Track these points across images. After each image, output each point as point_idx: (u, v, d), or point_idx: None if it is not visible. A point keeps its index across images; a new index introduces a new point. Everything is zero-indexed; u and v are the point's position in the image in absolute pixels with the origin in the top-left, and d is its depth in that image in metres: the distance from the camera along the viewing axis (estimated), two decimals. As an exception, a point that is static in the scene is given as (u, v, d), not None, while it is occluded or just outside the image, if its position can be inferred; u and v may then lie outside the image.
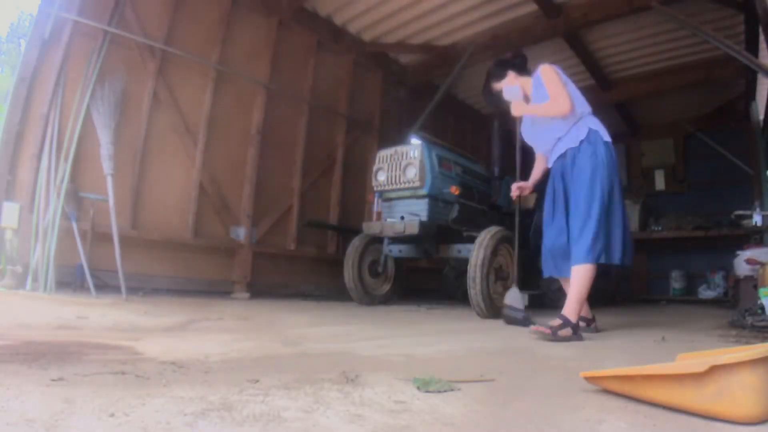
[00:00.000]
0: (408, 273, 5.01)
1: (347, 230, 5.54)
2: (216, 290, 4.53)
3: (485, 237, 3.63)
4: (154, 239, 4.17)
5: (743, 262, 4.41)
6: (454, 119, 7.54)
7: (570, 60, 6.13)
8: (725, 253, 5.65)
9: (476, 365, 1.72)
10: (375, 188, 4.28)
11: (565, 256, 2.62)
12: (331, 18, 5.58)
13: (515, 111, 2.90)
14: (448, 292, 5.58)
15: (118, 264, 3.61)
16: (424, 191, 3.95)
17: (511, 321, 3.09)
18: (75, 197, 3.68)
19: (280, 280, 5.14)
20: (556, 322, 2.40)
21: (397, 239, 4.22)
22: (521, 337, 2.48)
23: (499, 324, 3.20)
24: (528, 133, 3.02)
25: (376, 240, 4.42)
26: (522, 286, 4.14)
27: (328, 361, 1.72)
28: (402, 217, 3.96)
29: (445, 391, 1.28)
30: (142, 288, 3.89)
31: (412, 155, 4.00)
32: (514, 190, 3.16)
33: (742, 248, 4.71)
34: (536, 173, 3.11)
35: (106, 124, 3.84)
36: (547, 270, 2.77)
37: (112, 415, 0.95)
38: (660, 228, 7.22)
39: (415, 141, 4.15)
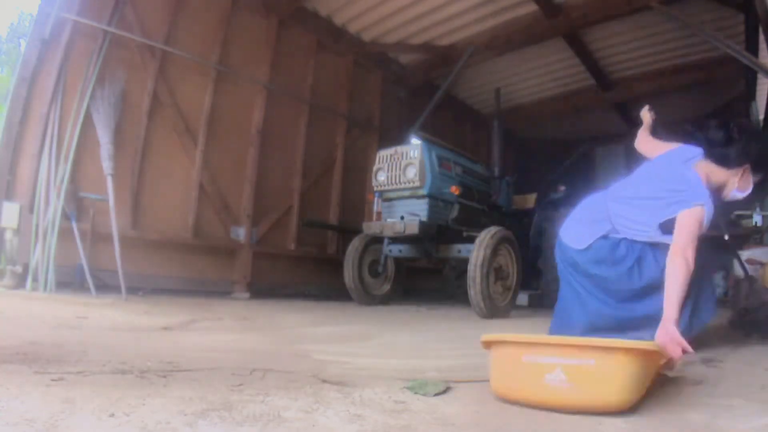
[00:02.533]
0: (408, 273, 5.01)
1: (347, 230, 5.54)
2: (216, 290, 4.53)
3: (485, 237, 3.63)
4: (154, 239, 4.17)
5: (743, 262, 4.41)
6: (454, 119, 7.54)
7: (570, 60, 6.13)
8: (725, 253, 5.63)
9: (476, 365, 1.72)
10: (375, 188, 4.27)
11: None
12: (331, 18, 5.58)
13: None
14: (448, 292, 5.59)
15: (118, 264, 3.61)
16: (424, 191, 3.95)
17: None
18: (75, 197, 3.68)
19: (280, 280, 5.14)
20: None
21: (397, 239, 4.22)
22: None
23: (499, 324, 3.20)
24: None
25: (376, 240, 4.42)
26: (522, 287, 4.17)
27: (328, 360, 1.72)
28: (402, 217, 3.96)
29: (440, 393, 1.27)
30: (142, 288, 3.89)
31: (412, 155, 3.99)
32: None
33: (742, 248, 4.71)
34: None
35: (106, 124, 3.84)
36: None
37: (112, 415, 0.95)
38: (660, 228, 7.20)
39: (415, 141, 4.15)
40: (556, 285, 4.74)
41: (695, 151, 2.05)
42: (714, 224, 2.02)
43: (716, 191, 2.00)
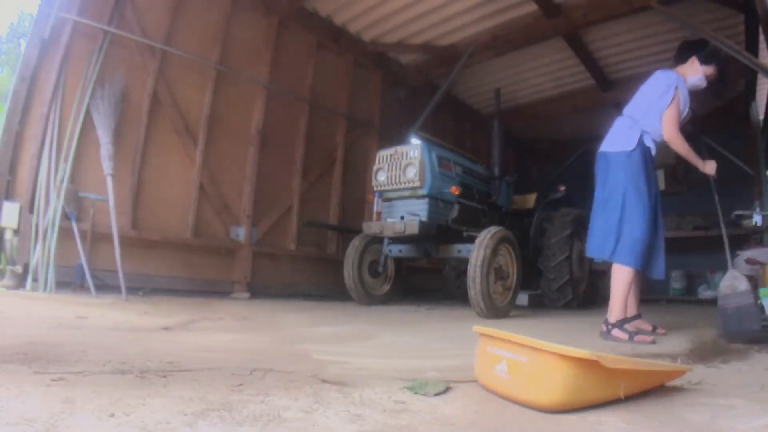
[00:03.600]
0: (408, 273, 5.01)
1: (347, 230, 5.54)
2: (216, 290, 4.53)
3: (485, 237, 3.63)
4: (154, 239, 4.17)
5: (743, 262, 4.41)
6: (454, 119, 7.54)
7: (570, 60, 6.12)
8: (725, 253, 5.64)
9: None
10: (375, 188, 4.27)
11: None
12: (331, 18, 5.58)
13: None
14: (448, 292, 5.59)
15: (118, 264, 3.61)
16: (424, 191, 3.95)
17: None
18: (75, 197, 3.68)
19: (280, 280, 5.14)
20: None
21: (397, 239, 4.22)
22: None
23: (498, 324, 3.19)
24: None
25: (376, 240, 4.42)
26: (522, 286, 4.17)
27: (327, 360, 1.72)
28: (402, 217, 3.96)
29: (440, 392, 1.27)
30: (142, 288, 3.89)
31: (412, 155, 3.99)
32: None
33: (742, 248, 4.71)
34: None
35: (106, 124, 3.84)
36: (643, 264, 2.63)
37: (112, 415, 0.95)
38: (660, 228, 7.21)
39: (415, 141, 4.15)
40: (557, 284, 4.78)
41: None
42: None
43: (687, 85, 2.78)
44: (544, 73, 6.60)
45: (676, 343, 2.40)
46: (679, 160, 8.18)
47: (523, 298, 4.83)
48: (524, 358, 1.20)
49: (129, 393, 1.10)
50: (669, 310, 5.42)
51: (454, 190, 4.07)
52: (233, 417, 0.99)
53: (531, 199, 5.22)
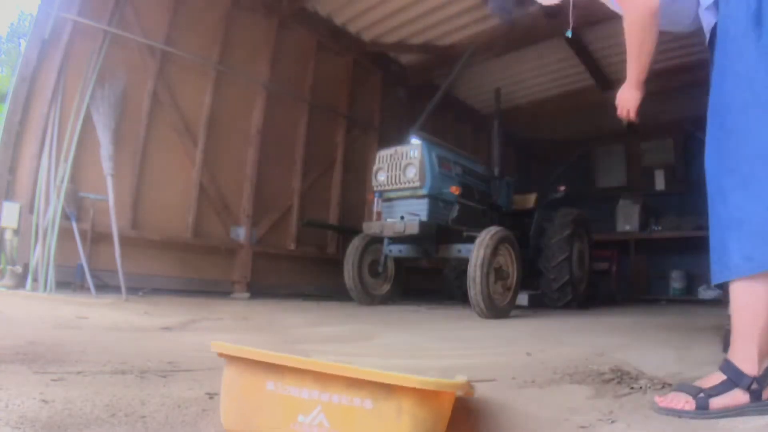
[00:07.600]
0: (408, 273, 5.01)
1: (347, 230, 5.54)
2: (216, 290, 4.53)
3: (485, 237, 3.63)
4: (154, 239, 4.17)
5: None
6: (454, 119, 7.54)
7: (570, 60, 6.13)
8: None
9: (476, 365, 1.72)
10: (375, 188, 4.27)
11: None
12: (331, 18, 5.58)
13: None
14: (448, 292, 5.59)
15: (118, 264, 3.61)
16: (424, 191, 3.95)
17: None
18: (75, 197, 3.68)
19: (280, 280, 5.15)
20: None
21: (397, 239, 4.22)
22: (521, 337, 2.48)
23: (499, 324, 3.20)
24: None
25: (376, 240, 4.42)
26: (522, 286, 4.17)
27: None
28: (402, 217, 3.96)
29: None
30: (142, 288, 3.89)
31: (412, 155, 4.00)
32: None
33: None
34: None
35: (106, 124, 3.84)
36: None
37: (113, 415, 0.95)
38: (660, 228, 7.22)
39: (415, 141, 4.15)
40: (557, 284, 4.78)
41: None
42: None
43: None
44: (544, 73, 6.60)
45: (676, 343, 2.40)
46: (679, 159, 8.17)
47: (523, 298, 4.84)
48: (368, 402, 0.79)
49: (129, 393, 1.10)
50: (668, 310, 5.42)
51: (454, 190, 4.07)
52: (233, 417, 0.98)
53: (531, 199, 5.22)
